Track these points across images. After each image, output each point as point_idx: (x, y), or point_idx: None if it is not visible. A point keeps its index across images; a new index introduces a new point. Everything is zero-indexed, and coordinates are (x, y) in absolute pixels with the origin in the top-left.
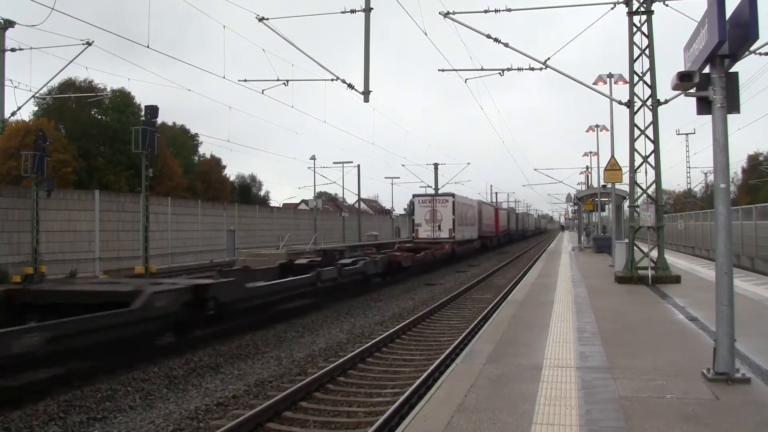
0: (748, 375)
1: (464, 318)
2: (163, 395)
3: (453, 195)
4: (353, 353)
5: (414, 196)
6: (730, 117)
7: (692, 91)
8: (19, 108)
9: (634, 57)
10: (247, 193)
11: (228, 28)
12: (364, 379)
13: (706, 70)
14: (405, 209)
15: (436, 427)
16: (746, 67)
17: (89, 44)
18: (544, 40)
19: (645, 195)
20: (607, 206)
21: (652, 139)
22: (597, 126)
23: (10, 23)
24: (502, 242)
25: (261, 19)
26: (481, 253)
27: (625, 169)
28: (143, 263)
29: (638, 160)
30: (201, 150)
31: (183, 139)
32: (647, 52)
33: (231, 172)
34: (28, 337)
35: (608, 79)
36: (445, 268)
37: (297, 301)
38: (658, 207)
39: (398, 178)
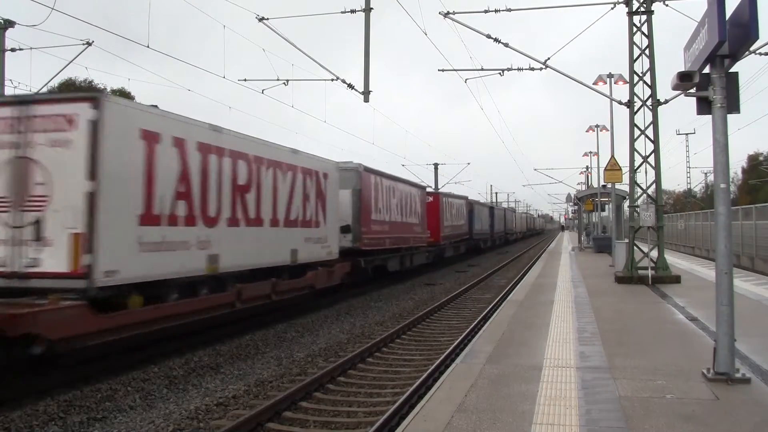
0: (748, 375)
1: (464, 318)
2: (163, 395)
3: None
4: (353, 353)
5: None
6: (730, 117)
7: (692, 91)
8: None
9: (634, 57)
10: None
11: (228, 28)
12: (364, 379)
13: (706, 70)
14: None
15: (436, 427)
16: (746, 67)
17: (89, 44)
18: (544, 40)
19: (645, 195)
20: (607, 206)
21: (652, 139)
22: (597, 126)
23: (10, 23)
24: (446, 257)
25: (261, 19)
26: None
27: (625, 169)
28: None
29: (638, 160)
30: None
31: None
32: (647, 52)
33: None
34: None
35: (608, 79)
36: (445, 268)
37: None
38: (658, 207)
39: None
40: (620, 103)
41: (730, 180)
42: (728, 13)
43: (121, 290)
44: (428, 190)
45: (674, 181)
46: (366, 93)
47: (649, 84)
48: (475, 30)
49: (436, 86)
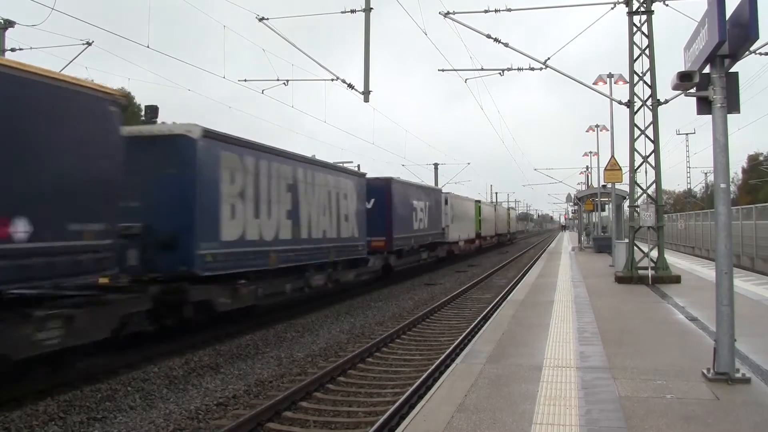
0: (748, 375)
1: (464, 318)
2: (163, 395)
3: None
4: (353, 353)
5: None
6: (730, 117)
7: (692, 91)
8: None
9: (634, 57)
10: None
11: (228, 28)
12: (364, 379)
13: (706, 70)
14: None
15: (436, 427)
16: (746, 67)
17: (89, 44)
18: (544, 39)
19: (645, 195)
20: (607, 206)
21: (652, 139)
22: (597, 126)
23: (10, 23)
24: None
25: (261, 19)
26: None
27: (625, 169)
28: None
29: (638, 160)
30: None
31: None
32: (647, 52)
33: None
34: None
35: (608, 79)
36: (445, 268)
37: None
38: (658, 207)
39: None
40: (620, 103)
41: (730, 180)
42: (728, 13)
43: None
44: None
45: (674, 181)
46: (366, 93)
47: (649, 84)
48: (475, 30)
49: (436, 86)
